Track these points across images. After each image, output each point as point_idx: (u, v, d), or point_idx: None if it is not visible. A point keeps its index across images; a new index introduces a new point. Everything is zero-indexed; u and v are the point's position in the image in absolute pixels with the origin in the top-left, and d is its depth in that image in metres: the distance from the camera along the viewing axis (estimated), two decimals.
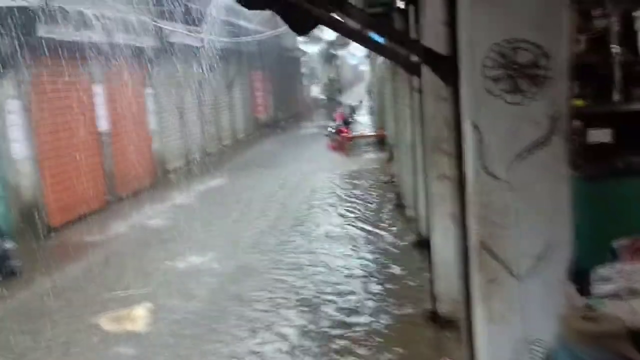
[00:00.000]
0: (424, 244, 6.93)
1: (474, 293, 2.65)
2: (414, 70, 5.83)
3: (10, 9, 8.38)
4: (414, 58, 5.51)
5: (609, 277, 2.82)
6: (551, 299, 2.59)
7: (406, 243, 7.58)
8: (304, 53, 31.30)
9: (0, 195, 8.03)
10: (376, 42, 7.00)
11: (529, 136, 2.46)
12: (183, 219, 10.12)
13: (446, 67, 2.74)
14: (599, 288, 2.87)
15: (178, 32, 14.22)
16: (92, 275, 7.42)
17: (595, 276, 2.82)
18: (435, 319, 4.84)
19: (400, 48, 6.72)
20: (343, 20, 5.06)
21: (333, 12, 4.62)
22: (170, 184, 13.44)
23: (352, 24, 5.15)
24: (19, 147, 9.04)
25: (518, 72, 2.41)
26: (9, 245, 7.39)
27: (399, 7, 7.08)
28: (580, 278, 2.74)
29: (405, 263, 6.88)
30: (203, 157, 16.36)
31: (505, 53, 2.39)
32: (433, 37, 4.34)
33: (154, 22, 12.78)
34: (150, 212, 10.77)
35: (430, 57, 2.89)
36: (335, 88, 31.39)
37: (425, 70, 4.76)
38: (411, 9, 6.19)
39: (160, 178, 13.77)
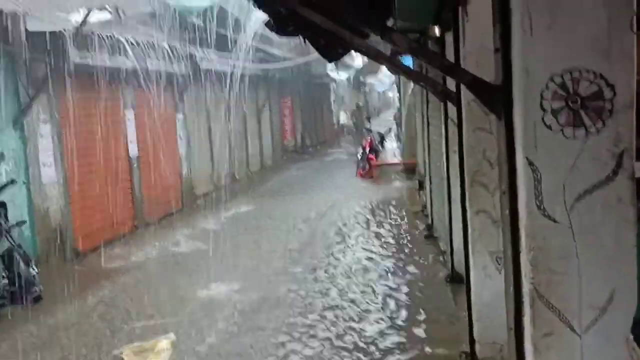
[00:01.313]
0: (457, 279, 6.65)
1: (525, 346, 2.40)
2: (449, 98, 5.63)
3: (43, 33, 8.45)
4: (451, 86, 5.33)
5: None
6: (614, 356, 2.33)
7: (439, 278, 7.29)
8: (333, 80, 31.33)
9: (27, 219, 7.98)
10: (409, 68, 6.83)
11: (591, 175, 2.23)
12: (210, 245, 9.99)
13: (496, 97, 2.53)
14: None
15: (209, 59, 14.29)
16: (117, 303, 7.30)
17: None
18: None
19: (436, 76, 6.55)
20: (375, 47, 4.90)
21: (368, 38, 4.47)
22: (198, 210, 13.38)
23: (382, 49, 5.00)
24: (49, 171, 9.04)
25: (580, 105, 2.19)
26: (34, 270, 7.31)
27: (434, 35, 6.91)
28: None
29: (439, 300, 6.59)
30: (231, 183, 16.32)
31: (566, 84, 2.18)
32: (474, 65, 4.13)
33: (185, 49, 12.85)
34: (178, 237, 10.69)
35: (478, 86, 2.68)
36: (363, 115, 31.33)
37: (465, 99, 4.56)
38: (448, 36, 6.02)
39: (188, 203, 13.73)
